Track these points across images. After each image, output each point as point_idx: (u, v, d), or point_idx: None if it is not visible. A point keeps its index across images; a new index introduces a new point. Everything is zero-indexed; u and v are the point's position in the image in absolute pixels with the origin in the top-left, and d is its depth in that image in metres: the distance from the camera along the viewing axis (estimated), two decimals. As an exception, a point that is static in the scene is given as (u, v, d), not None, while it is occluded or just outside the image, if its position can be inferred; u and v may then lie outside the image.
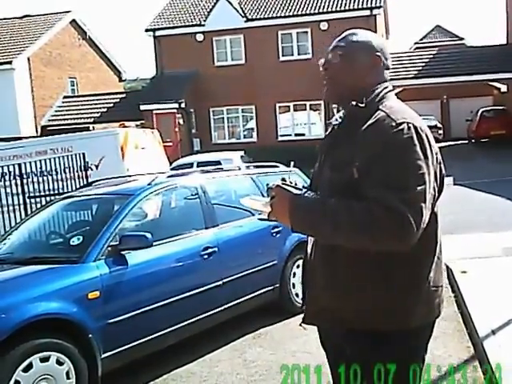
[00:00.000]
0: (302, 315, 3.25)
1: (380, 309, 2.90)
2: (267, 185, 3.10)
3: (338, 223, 2.75)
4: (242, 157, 21.24)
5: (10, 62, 34.82)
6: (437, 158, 2.93)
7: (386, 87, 3.09)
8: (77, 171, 14.16)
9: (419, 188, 2.71)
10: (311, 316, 3.18)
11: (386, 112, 2.90)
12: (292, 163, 3.40)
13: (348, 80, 3.06)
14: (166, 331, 6.75)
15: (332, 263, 2.98)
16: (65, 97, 39.18)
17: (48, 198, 12.75)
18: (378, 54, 3.08)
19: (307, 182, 3.38)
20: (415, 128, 2.82)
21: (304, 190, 3.01)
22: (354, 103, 3.01)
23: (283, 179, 3.06)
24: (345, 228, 2.74)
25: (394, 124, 2.82)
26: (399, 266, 2.88)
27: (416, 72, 33.24)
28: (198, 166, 16.97)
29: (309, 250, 3.19)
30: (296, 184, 3.06)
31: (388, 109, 2.93)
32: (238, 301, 7.70)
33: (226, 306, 7.50)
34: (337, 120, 3.18)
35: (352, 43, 3.09)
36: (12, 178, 14.03)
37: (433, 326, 3.12)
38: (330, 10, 35.05)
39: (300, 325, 3.28)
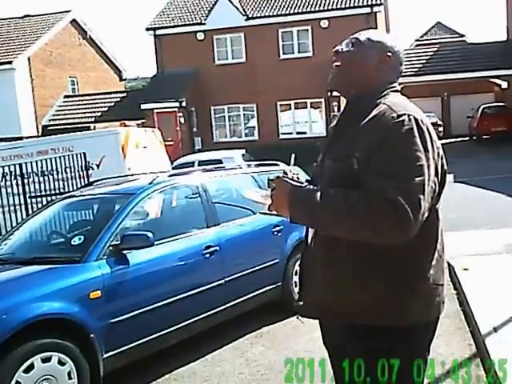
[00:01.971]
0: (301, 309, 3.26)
1: (378, 304, 2.90)
2: (268, 177, 3.11)
3: (336, 214, 2.75)
4: (243, 155, 21.16)
5: (10, 62, 34.76)
6: (438, 152, 2.91)
7: (392, 86, 3.10)
8: (78, 171, 14.14)
9: (417, 179, 2.70)
10: (309, 310, 3.19)
11: (388, 105, 2.91)
12: (293, 155, 3.38)
13: (355, 70, 3.07)
14: (167, 331, 6.74)
15: (331, 257, 2.98)
16: (65, 96, 39.15)
17: (49, 198, 12.76)
18: (389, 53, 3.09)
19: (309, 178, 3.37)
20: (416, 120, 2.82)
21: (305, 183, 3.03)
22: (356, 95, 3.03)
23: (285, 172, 3.07)
24: (343, 218, 2.74)
25: (394, 115, 2.83)
26: (398, 262, 2.88)
27: (417, 69, 33.25)
28: (199, 165, 16.96)
29: (308, 243, 3.19)
30: (298, 177, 3.07)
31: (391, 102, 2.94)
32: (240, 299, 7.69)
33: (228, 305, 7.49)
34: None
35: (368, 37, 3.11)
36: (13, 177, 14.02)
37: (435, 324, 3.11)
38: (330, 7, 35.00)
39: (297, 318, 3.29)
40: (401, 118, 2.81)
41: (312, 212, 2.85)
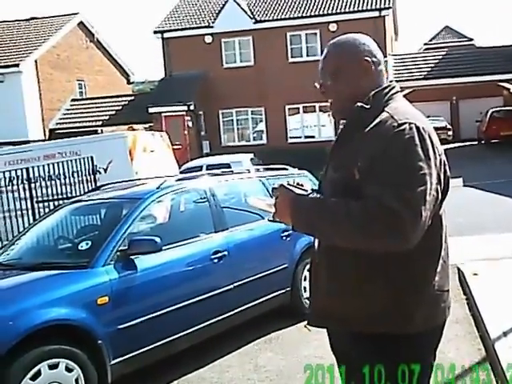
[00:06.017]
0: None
1: (384, 312, 2.88)
2: (273, 185, 3.12)
3: (336, 222, 2.74)
4: (251, 159, 21.17)
5: (17, 65, 34.76)
6: (441, 159, 2.89)
7: (393, 87, 3.08)
8: (85, 175, 14.14)
9: (419, 189, 2.68)
10: (315, 318, 3.17)
11: (389, 113, 2.89)
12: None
13: (345, 93, 3.08)
14: (176, 336, 6.70)
15: (335, 265, 2.97)
16: (73, 100, 39.21)
17: (56, 203, 12.74)
18: (366, 58, 3.06)
19: (317, 185, 3.36)
20: (417, 128, 2.79)
21: (309, 191, 3.01)
22: (359, 104, 2.98)
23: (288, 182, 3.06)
24: (342, 227, 2.73)
25: (395, 124, 2.81)
26: (402, 269, 2.86)
27: (425, 73, 33.12)
28: (207, 169, 16.92)
29: (315, 248, 3.17)
30: (302, 185, 3.05)
31: (392, 110, 2.92)
32: (249, 305, 7.65)
33: (236, 310, 7.45)
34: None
35: (336, 58, 3.14)
36: (20, 182, 14.02)
37: (442, 330, 3.09)
38: (338, 11, 35.03)
39: (305, 326, 3.28)
40: (401, 127, 2.79)
41: (313, 221, 2.85)
